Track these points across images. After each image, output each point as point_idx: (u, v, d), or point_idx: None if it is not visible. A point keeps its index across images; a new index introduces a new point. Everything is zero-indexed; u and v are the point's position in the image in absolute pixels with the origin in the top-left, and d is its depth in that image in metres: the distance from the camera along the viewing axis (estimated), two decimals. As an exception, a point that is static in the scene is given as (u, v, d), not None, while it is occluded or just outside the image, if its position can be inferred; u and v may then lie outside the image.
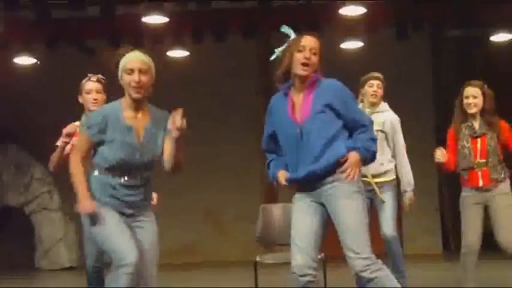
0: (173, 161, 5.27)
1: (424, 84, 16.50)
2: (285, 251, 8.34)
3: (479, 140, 7.02)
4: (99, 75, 6.58)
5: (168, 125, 5.12)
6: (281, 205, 7.96)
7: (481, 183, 6.99)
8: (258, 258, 7.08)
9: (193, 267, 14.73)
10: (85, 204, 5.05)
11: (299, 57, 5.16)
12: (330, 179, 5.03)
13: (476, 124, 7.05)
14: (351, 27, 13.47)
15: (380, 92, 7.47)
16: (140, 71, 5.15)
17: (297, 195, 5.27)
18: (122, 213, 5.20)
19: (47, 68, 14.40)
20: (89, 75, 6.57)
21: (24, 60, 14.22)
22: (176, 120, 5.05)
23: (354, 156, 5.00)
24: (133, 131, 5.19)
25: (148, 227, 5.35)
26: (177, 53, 14.60)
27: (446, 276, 11.66)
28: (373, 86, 7.46)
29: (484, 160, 6.99)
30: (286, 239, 7.67)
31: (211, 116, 16.08)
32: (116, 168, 5.16)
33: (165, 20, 12.80)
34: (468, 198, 7.03)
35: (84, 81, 6.57)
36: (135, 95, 5.15)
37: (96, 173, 5.26)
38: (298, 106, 5.18)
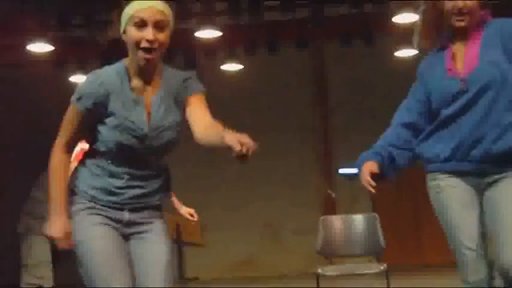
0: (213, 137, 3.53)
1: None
2: (346, 263, 8.27)
3: None
4: None
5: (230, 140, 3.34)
6: (341, 216, 7.91)
7: None
8: (319, 270, 7.00)
9: (253, 280, 14.67)
10: (56, 225, 3.55)
11: (449, 6, 4.08)
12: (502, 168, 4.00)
13: None
14: (404, 35, 13.33)
15: None
16: (156, 25, 3.58)
17: (447, 177, 4.11)
18: (117, 220, 3.69)
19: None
20: None
21: (80, 79, 14.36)
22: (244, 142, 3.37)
23: None
24: (141, 105, 3.64)
25: (154, 241, 3.75)
26: (231, 67, 14.61)
27: None
28: None
29: None
30: (346, 250, 7.66)
31: (267, 129, 16.02)
32: (115, 155, 3.66)
33: (218, 33, 12.80)
34: None
35: None
36: (142, 62, 3.62)
37: (87, 159, 3.78)
38: (461, 57, 4.11)
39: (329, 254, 7.59)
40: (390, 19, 12.53)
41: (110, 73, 3.71)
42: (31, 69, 14.38)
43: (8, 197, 15.72)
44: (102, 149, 3.69)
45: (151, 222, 3.77)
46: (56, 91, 13.85)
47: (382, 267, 6.89)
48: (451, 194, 4.05)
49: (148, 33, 3.54)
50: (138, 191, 3.70)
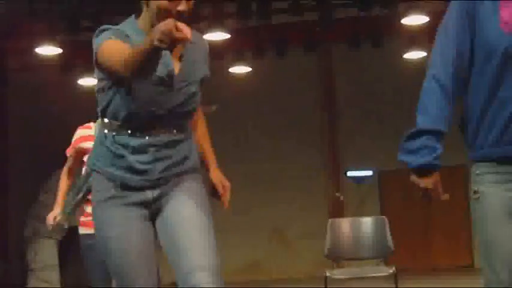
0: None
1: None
2: (354, 266, 8.25)
3: None
4: None
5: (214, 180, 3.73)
6: (349, 219, 7.88)
7: None
8: (327, 274, 6.97)
9: (261, 284, 14.63)
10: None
11: None
12: None
13: None
14: (413, 37, 13.30)
15: None
16: None
17: (491, 174, 3.20)
18: (140, 203, 3.41)
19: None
20: None
21: (88, 81, 14.34)
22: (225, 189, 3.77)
23: None
24: (168, 56, 3.28)
25: (185, 193, 3.44)
26: (239, 69, 14.61)
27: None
28: None
29: None
30: (355, 253, 7.62)
31: (274, 132, 16.02)
32: (136, 122, 3.35)
33: (226, 36, 12.80)
34: None
35: None
36: None
37: (106, 137, 3.41)
38: None
39: (337, 257, 7.55)
40: (399, 21, 12.51)
41: (123, 26, 3.42)
42: (39, 73, 14.38)
43: (14, 200, 15.71)
44: (122, 114, 3.32)
45: (177, 187, 3.45)
46: (64, 94, 13.88)
47: (390, 271, 6.86)
48: (492, 202, 3.23)
49: (182, 4, 3.26)
50: (167, 162, 3.39)
